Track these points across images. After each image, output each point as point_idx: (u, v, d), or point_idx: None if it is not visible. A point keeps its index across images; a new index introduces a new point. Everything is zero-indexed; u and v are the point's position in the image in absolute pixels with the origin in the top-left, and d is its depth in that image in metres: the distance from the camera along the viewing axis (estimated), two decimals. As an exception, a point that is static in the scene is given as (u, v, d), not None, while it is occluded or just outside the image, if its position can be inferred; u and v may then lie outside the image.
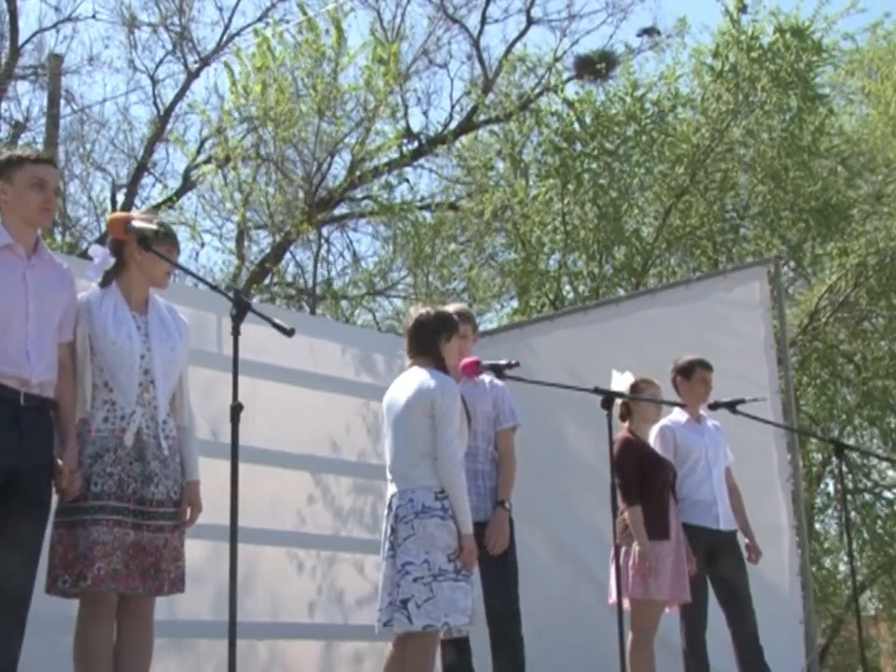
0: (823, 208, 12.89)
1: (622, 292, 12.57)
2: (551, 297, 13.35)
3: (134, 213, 3.89)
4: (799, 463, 7.46)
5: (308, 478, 7.51)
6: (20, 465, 3.52)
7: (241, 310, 3.23)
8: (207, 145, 14.34)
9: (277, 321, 3.31)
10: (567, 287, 13.76)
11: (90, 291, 3.85)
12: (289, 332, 3.28)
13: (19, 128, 14.21)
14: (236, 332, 3.26)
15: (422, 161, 14.95)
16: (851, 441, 14.01)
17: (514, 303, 14.55)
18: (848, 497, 14.66)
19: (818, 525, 15.25)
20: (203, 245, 15.21)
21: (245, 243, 14.82)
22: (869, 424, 14.06)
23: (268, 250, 14.36)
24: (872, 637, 21.26)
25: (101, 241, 12.40)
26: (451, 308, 5.38)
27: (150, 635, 3.78)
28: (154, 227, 3.68)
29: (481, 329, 12.28)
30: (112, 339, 3.71)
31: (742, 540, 5.97)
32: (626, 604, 5.49)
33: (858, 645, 6.77)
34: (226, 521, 7.25)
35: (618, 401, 5.65)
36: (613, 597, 5.46)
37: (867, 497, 14.71)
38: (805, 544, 7.29)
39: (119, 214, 3.91)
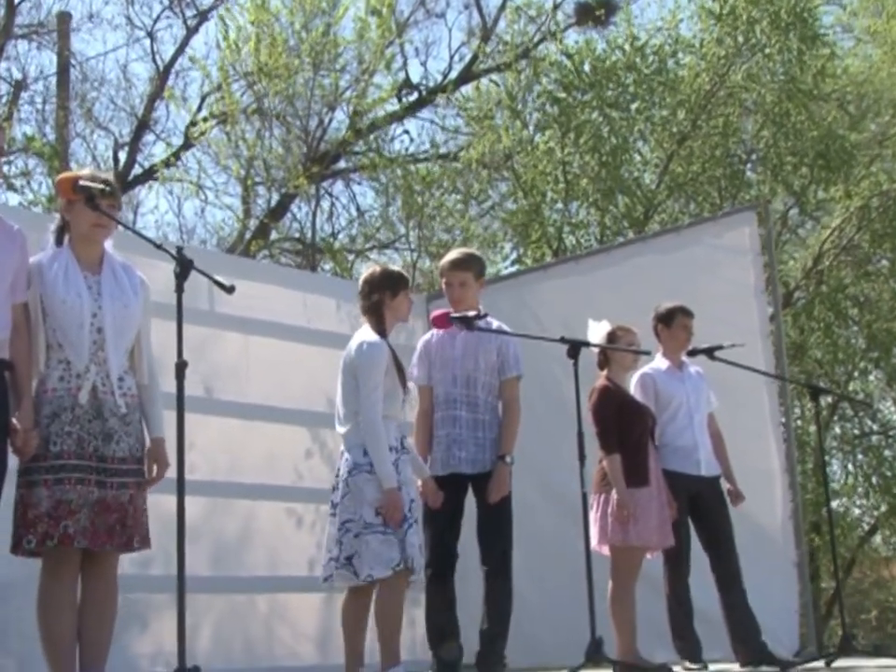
0: (826, 152, 12.77)
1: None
2: (553, 246, 13.31)
3: (81, 171, 3.87)
4: (790, 407, 7.45)
5: (305, 433, 7.57)
6: None
7: (184, 268, 3.24)
8: (209, 100, 14.31)
9: (217, 278, 3.32)
10: (570, 238, 13.72)
11: (42, 253, 3.86)
12: (229, 290, 3.29)
13: (19, 87, 14.19)
14: (180, 290, 3.27)
15: (423, 112, 14.88)
16: (858, 385, 14.01)
17: (514, 254, 14.52)
18: (855, 441, 14.70)
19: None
20: (206, 201, 15.19)
21: (249, 199, 14.81)
22: (874, 366, 14.00)
23: (271, 206, 14.36)
24: (884, 579, 21.36)
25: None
26: (450, 255, 5.37)
27: (115, 592, 3.82)
28: (100, 185, 3.69)
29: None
30: (62, 298, 3.72)
31: (725, 486, 5.97)
32: (606, 550, 5.54)
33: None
34: (223, 477, 7.41)
35: (595, 350, 5.69)
36: (595, 544, 5.52)
37: (874, 440, 14.69)
38: (797, 488, 7.29)
39: (66, 174, 3.90)
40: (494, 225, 14.52)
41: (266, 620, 7.29)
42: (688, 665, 5.60)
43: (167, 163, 13.84)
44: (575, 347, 4.67)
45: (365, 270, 4.84)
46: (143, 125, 14.61)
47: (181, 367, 3.26)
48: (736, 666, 5.67)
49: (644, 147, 13.88)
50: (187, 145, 14.24)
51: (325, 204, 15.26)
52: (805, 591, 6.98)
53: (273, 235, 15.20)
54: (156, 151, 15.39)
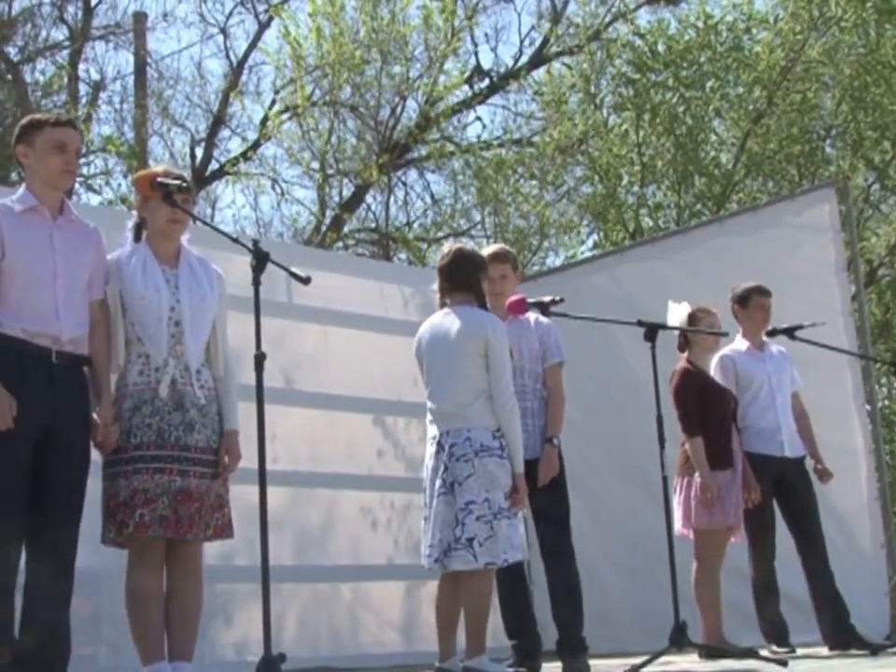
0: (908, 125, 12.48)
1: (702, 222, 12.37)
2: (630, 229, 13.20)
3: (157, 168, 3.94)
4: (874, 386, 7.31)
5: (384, 422, 7.61)
6: (55, 421, 3.63)
7: (260, 260, 3.27)
8: (282, 94, 14.41)
9: (293, 270, 3.34)
10: (647, 220, 13.60)
11: (119, 250, 3.93)
12: (305, 281, 3.31)
13: (97, 88, 14.45)
14: (256, 283, 3.30)
15: (495, 98, 14.84)
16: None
17: (592, 238, 14.44)
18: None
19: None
20: (281, 195, 15.34)
21: (323, 191, 14.92)
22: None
23: (345, 197, 14.45)
24: None
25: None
26: (488, 249, 5.38)
27: (199, 580, 3.87)
28: (176, 182, 3.75)
29: (556, 264, 12.29)
30: (140, 293, 3.78)
31: (811, 466, 5.89)
32: (690, 534, 5.50)
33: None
34: (305, 467, 7.48)
35: (675, 333, 5.64)
36: (679, 527, 5.48)
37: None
38: (884, 469, 7.16)
39: (144, 172, 3.97)
40: (570, 210, 14.45)
41: (350, 608, 7.34)
42: (775, 648, 5.54)
43: (243, 158, 14.01)
44: (652, 330, 4.64)
45: (448, 247, 4.77)
46: (218, 121, 14.78)
47: (260, 359, 3.29)
48: (825, 650, 5.60)
49: (720, 126, 13.68)
50: (261, 139, 14.38)
51: (399, 194, 15.35)
52: (895, 573, 6.86)
53: (349, 226, 15.31)
54: (231, 146, 15.60)
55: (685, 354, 5.67)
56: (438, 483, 4.42)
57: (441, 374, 4.54)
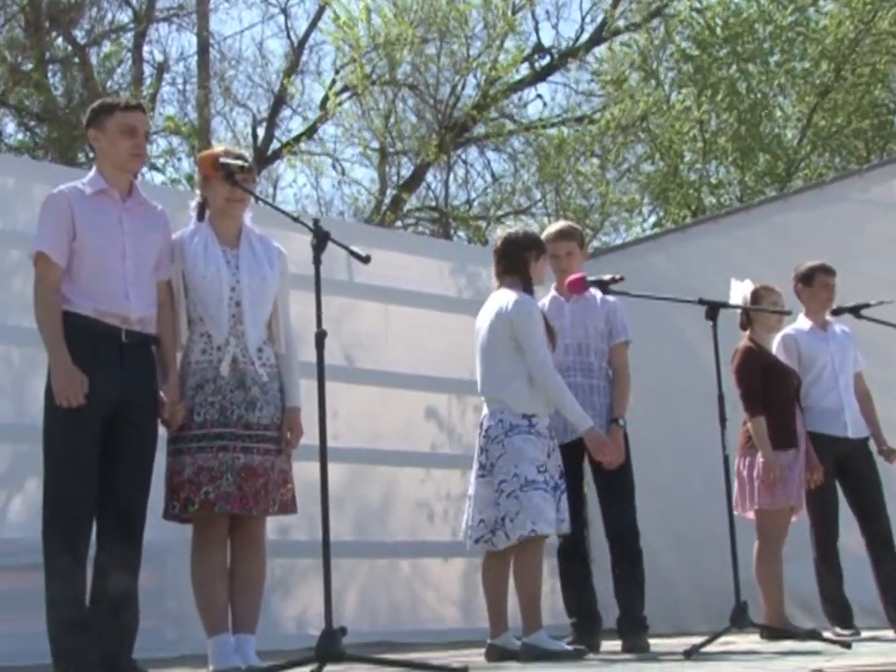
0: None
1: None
2: (692, 207, 13.06)
3: (219, 149, 3.97)
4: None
5: (444, 400, 7.65)
6: (125, 398, 3.70)
7: (320, 239, 3.29)
8: (343, 74, 14.44)
9: (354, 249, 3.35)
10: (710, 198, 13.44)
11: (182, 230, 3.98)
12: (365, 259, 3.32)
13: (161, 69, 14.58)
14: (317, 261, 3.32)
15: (555, 76, 14.73)
16: None
17: (654, 216, 14.31)
18: None
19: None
20: (343, 174, 15.40)
21: (384, 170, 14.96)
22: None
23: (405, 176, 14.47)
24: None
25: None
26: (554, 226, 5.38)
27: (263, 556, 3.94)
28: (240, 162, 3.79)
29: (617, 242, 12.22)
30: (202, 274, 3.83)
31: (875, 448, 5.81)
32: (751, 514, 5.46)
33: None
34: (365, 444, 7.54)
35: (737, 311, 5.58)
36: (740, 508, 5.44)
37: None
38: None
39: (207, 152, 4.00)
40: (631, 188, 14.34)
41: (409, 584, 7.41)
42: (839, 630, 5.48)
43: (305, 137, 14.07)
44: (713, 309, 4.59)
45: (500, 231, 4.82)
46: (279, 101, 14.85)
47: (321, 336, 3.30)
48: (891, 633, 5.51)
49: (785, 101, 13.46)
50: (321, 119, 14.43)
51: (459, 172, 15.33)
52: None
53: (409, 205, 15.34)
54: (293, 126, 15.67)
55: (747, 332, 5.62)
56: (476, 465, 4.54)
57: (481, 359, 4.65)
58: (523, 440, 4.40)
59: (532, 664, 4.17)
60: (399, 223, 14.76)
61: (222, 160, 3.77)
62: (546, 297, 5.29)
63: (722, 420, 4.49)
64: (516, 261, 4.64)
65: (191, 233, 3.93)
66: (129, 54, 14.29)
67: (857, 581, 5.66)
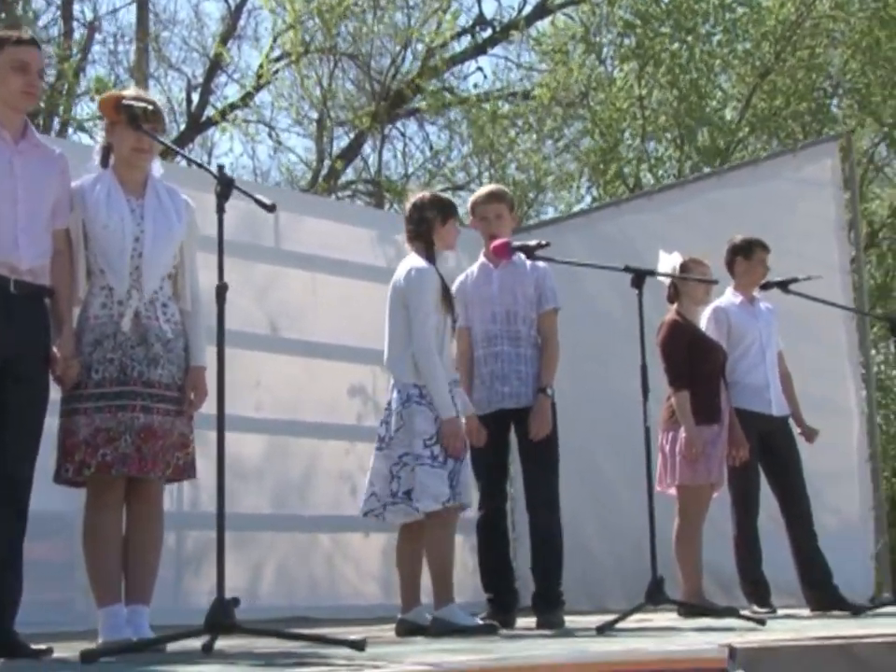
0: (919, 81, 12.23)
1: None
2: (630, 185, 13.01)
3: (126, 91, 3.75)
4: (870, 346, 7.17)
5: (370, 372, 7.48)
6: (13, 353, 3.49)
7: (225, 186, 3.11)
8: (281, 41, 14.15)
9: (259, 197, 3.17)
10: (648, 175, 13.39)
11: (84, 177, 3.75)
12: (270, 208, 3.15)
13: (93, 28, 14.17)
14: (220, 209, 3.14)
15: (497, 49, 14.58)
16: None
17: (592, 193, 14.24)
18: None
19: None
20: (279, 143, 15.15)
21: (321, 140, 14.73)
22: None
23: (341, 147, 14.25)
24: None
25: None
26: (485, 188, 5.25)
27: (160, 519, 3.74)
28: (143, 105, 3.57)
29: (552, 216, 12.12)
30: (104, 223, 3.61)
31: (795, 427, 5.77)
32: (673, 491, 5.39)
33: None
34: (288, 416, 7.37)
35: (665, 283, 5.50)
36: (662, 484, 5.37)
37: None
38: (876, 430, 7.05)
39: (110, 93, 3.78)
40: (571, 166, 14.26)
41: (329, 559, 7.28)
42: (756, 608, 5.44)
43: (241, 104, 13.78)
44: (640, 276, 4.48)
45: (412, 195, 4.67)
46: (215, 66, 14.53)
47: (221, 290, 3.11)
48: (806, 611, 5.50)
49: (725, 81, 13.44)
50: (258, 86, 14.15)
51: (398, 145, 15.14)
52: (882, 537, 6.76)
53: (346, 177, 15.12)
54: (229, 93, 15.35)
55: (674, 305, 5.54)
56: (377, 436, 4.41)
57: (386, 329, 4.50)
58: (413, 412, 4.27)
59: (440, 639, 4.05)
60: (334, 196, 14.55)
61: (125, 101, 3.56)
62: (475, 263, 5.15)
63: (645, 391, 4.38)
64: (419, 225, 4.48)
65: (93, 181, 3.71)
66: (58, 11, 13.84)
67: (775, 561, 5.62)
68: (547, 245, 4.69)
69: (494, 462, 4.96)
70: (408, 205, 4.58)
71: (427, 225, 4.46)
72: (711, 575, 5.93)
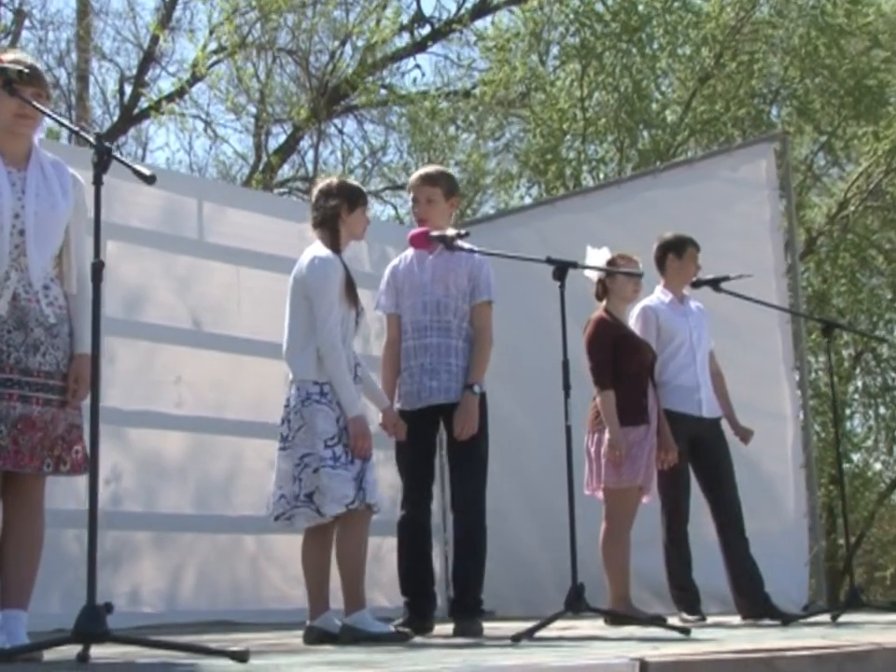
0: (856, 89, 12.20)
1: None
2: (570, 185, 12.87)
3: (4, 55, 3.47)
4: (805, 350, 7.06)
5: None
6: None
7: (101, 156, 2.84)
8: (217, 34, 13.84)
9: (137, 167, 2.91)
10: (588, 177, 13.27)
11: None
12: (149, 179, 2.89)
13: (21, 16, 13.76)
14: (97, 181, 2.87)
15: (436, 47, 14.39)
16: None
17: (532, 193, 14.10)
18: (877, 394, 14.26)
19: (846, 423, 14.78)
20: (215, 137, 14.84)
21: (259, 136, 14.47)
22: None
23: (278, 143, 13.99)
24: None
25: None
26: (421, 169, 5.03)
27: (40, 520, 3.45)
28: (18, 67, 3.29)
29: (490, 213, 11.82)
30: None
31: (728, 429, 5.60)
32: (600, 494, 5.20)
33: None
34: (212, 413, 7.09)
35: (593, 279, 5.32)
36: (587, 488, 5.19)
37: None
38: (811, 436, 6.96)
39: (-19, 56, 3.51)
40: (513, 168, 14.12)
41: (253, 561, 7.05)
42: (685, 616, 5.28)
43: (176, 97, 13.46)
44: (561, 269, 4.26)
45: (320, 181, 4.43)
46: (149, 57, 14.19)
47: (97, 268, 2.84)
48: (736, 619, 5.34)
49: (667, 86, 13.38)
50: (195, 79, 13.82)
51: (336, 143, 14.91)
52: (816, 543, 6.64)
53: (284, 174, 14.86)
54: (165, 87, 14.98)
55: (602, 303, 5.35)
56: (279, 436, 4.18)
57: (287, 320, 4.27)
58: (314, 410, 4.03)
59: (349, 647, 3.82)
60: (271, 192, 14.27)
61: (1, 65, 3.27)
62: (409, 249, 4.87)
63: (566, 387, 4.16)
64: (323, 213, 4.25)
65: None
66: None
67: (706, 567, 5.44)
68: (466, 234, 4.48)
69: (418, 460, 4.72)
70: (315, 191, 4.34)
71: (334, 212, 4.23)
72: (644, 581, 5.79)
